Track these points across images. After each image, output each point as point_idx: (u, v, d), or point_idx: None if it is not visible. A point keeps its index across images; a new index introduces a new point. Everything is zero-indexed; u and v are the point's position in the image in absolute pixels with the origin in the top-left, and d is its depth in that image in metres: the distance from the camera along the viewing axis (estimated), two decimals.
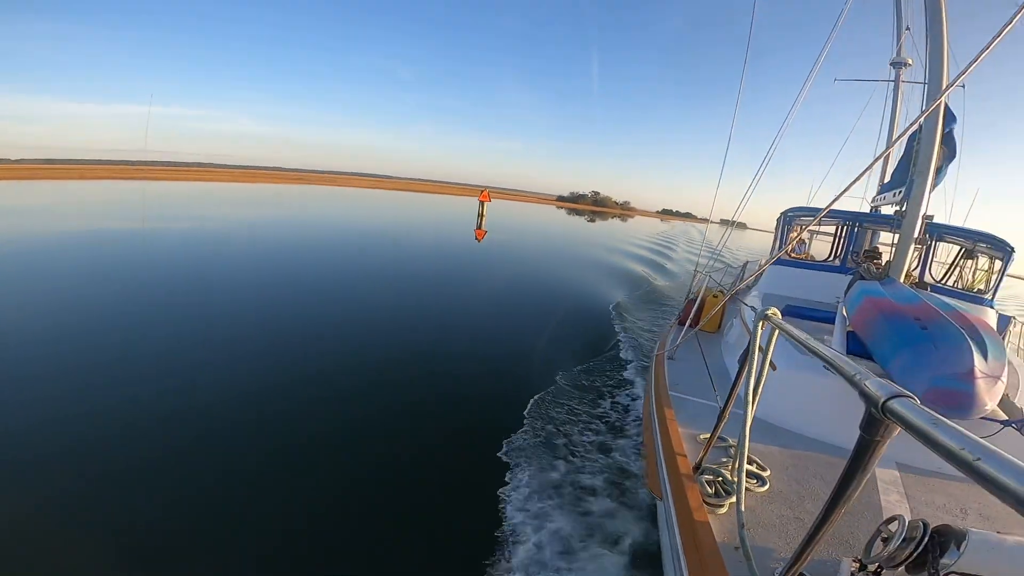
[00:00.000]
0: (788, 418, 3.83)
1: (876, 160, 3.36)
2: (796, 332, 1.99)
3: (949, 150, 6.48)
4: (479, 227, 30.83)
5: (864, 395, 1.31)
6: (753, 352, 2.39)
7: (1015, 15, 2.90)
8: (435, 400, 6.70)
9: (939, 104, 4.79)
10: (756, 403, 2.45)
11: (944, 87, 5.23)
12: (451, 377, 7.54)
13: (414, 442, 5.64)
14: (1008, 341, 8.34)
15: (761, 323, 2.37)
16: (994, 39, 2.86)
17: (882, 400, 1.20)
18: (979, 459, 0.88)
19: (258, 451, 5.18)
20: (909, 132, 3.14)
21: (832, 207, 3.84)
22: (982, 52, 2.88)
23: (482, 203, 36.14)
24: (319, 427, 5.72)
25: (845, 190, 3.72)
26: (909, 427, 1.09)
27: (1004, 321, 8.43)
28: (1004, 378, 3.25)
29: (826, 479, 3.08)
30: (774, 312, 2.32)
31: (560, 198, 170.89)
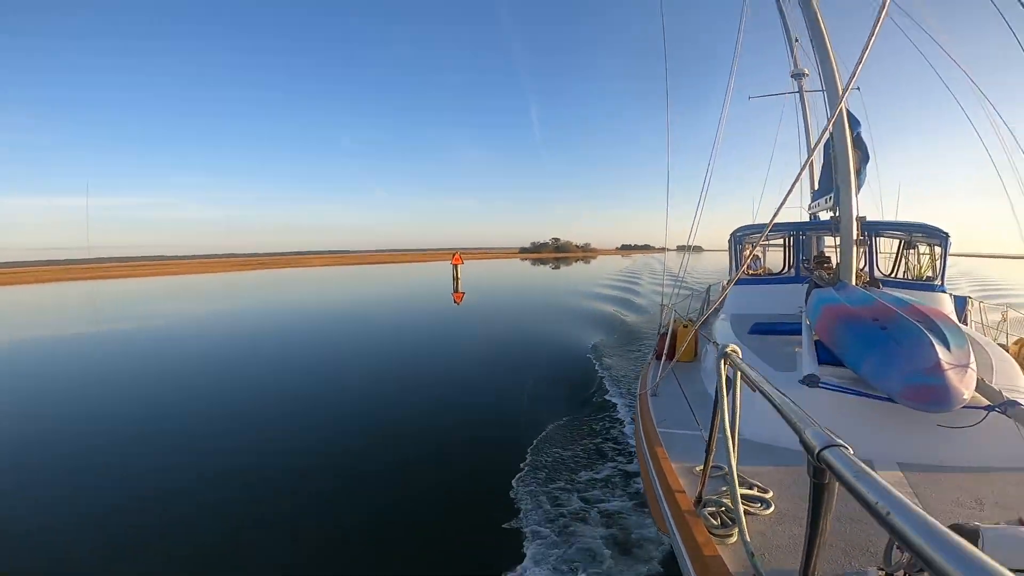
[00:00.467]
0: (779, 435, 3.80)
1: (800, 173, 3.53)
2: (751, 373, 2.10)
3: (862, 152, 6.90)
4: (456, 290, 31.43)
5: (803, 443, 1.36)
6: (721, 389, 2.43)
7: (880, 17, 3.20)
8: (438, 458, 6.89)
9: (840, 110, 5.17)
10: (737, 435, 2.48)
11: (841, 93, 5.66)
12: (452, 431, 7.83)
13: (417, 500, 5.72)
14: (970, 320, 8.61)
15: (724, 361, 2.44)
16: (869, 40, 3.13)
17: (817, 449, 1.26)
18: (890, 513, 0.92)
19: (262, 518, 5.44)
20: (822, 142, 3.34)
21: (774, 221, 4.01)
22: (863, 55, 3.14)
23: (455, 266, 36.92)
24: (324, 485, 6.07)
25: (781, 206, 3.90)
26: (838, 476, 1.15)
27: (961, 302, 8.73)
28: (972, 364, 3.29)
29: None
30: (733, 349, 2.42)
31: (522, 249, 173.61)
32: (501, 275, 54.27)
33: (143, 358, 14.17)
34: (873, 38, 3.26)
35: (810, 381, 3.57)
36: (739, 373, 2.40)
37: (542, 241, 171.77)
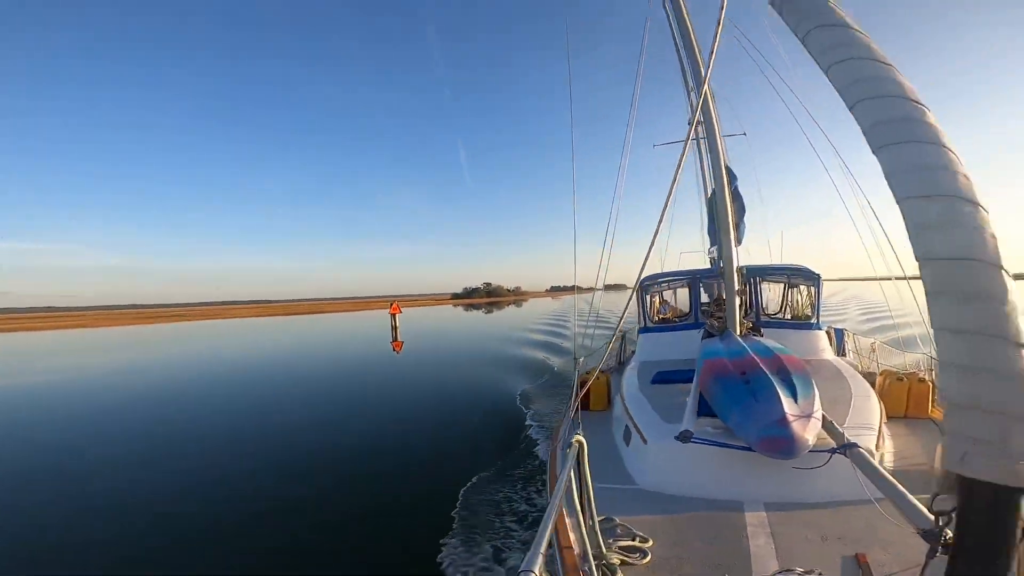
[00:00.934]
0: (666, 484, 4.08)
1: (656, 231, 3.85)
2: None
3: (739, 205, 7.62)
4: (395, 339, 31.22)
5: None
6: (565, 476, 2.59)
7: (706, 79, 3.71)
8: (369, 507, 6.90)
9: (721, 163, 5.79)
10: (591, 503, 2.82)
11: (719, 144, 6.35)
12: (386, 482, 7.85)
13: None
14: (848, 350, 9.54)
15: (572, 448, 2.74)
16: (700, 96, 3.58)
17: None
18: None
19: None
20: (668, 201, 3.73)
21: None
22: (695, 113, 3.59)
23: (394, 315, 36.39)
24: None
25: (644, 264, 4.24)
26: None
27: (839, 335, 9.70)
28: (816, 413, 3.75)
29: (705, 537, 3.27)
30: (579, 440, 2.74)
31: (454, 295, 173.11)
32: (435, 323, 53.71)
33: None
34: (705, 89, 3.77)
35: (684, 437, 3.91)
36: (586, 462, 2.79)
37: (474, 286, 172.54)
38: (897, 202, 2.00)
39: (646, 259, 3.85)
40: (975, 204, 1.87)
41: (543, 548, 1.69)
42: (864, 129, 2.13)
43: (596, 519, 2.83)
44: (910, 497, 2.49)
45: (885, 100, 2.09)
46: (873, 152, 2.12)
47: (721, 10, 3.68)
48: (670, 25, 7.71)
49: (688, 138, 3.81)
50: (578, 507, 2.60)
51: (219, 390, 17.24)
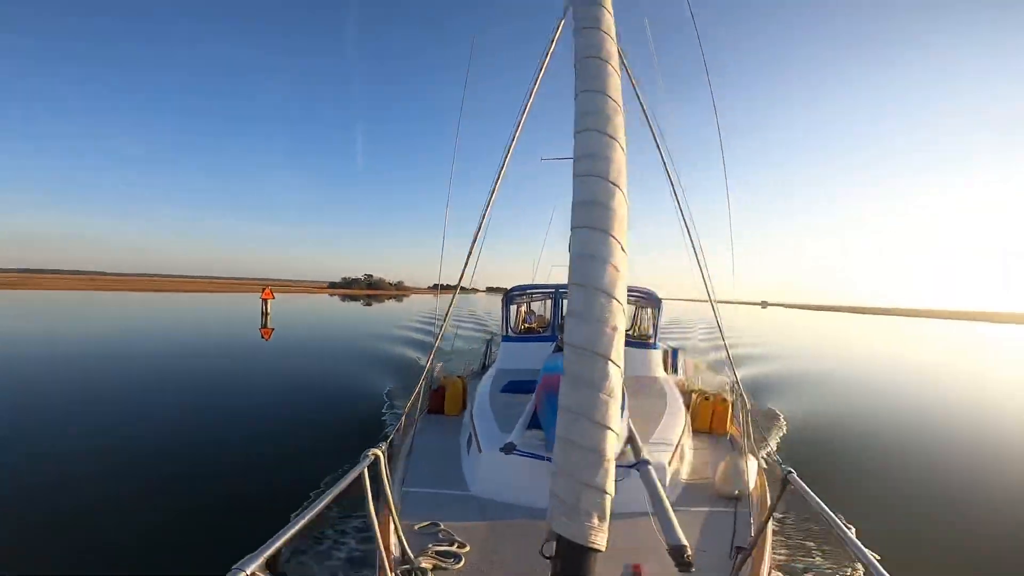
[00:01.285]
0: (494, 492, 4.37)
1: (476, 234, 4.14)
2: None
3: None
4: (264, 325, 29.85)
5: None
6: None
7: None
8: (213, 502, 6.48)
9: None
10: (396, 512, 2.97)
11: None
12: (233, 478, 7.34)
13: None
14: (681, 370, 10.72)
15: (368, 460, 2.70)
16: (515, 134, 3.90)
17: None
18: None
19: None
20: (488, 208, 3.98)
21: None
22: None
23: (265, 301, 34.32)
24: None
25: (459, 276, 4.47)
26: None
27: (675, 354, 10.93)
28: (623, 432, 4.21)
29: (517, 544, 3.57)
30: (375, 454, 2.72)
31: (332, 284, 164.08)
32: (307, 313, 50.59)
33: None
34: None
35: (507, 449, 4.21)
36: (387, 482, 2.87)
37: (354, 277, 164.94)
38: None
39: (463, 269, 4.13)
40: (610, 296, 2.04)
41: (269, 552, 1.68)
42: (572, 208, 2.20)
43: (399, 524, 2.97)
44: (670, 514, 2.89)
45: (587, 180, 2.16)
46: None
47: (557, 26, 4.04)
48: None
49: (506, 160, 4.09)
50: (373, 513, 2.68)
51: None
